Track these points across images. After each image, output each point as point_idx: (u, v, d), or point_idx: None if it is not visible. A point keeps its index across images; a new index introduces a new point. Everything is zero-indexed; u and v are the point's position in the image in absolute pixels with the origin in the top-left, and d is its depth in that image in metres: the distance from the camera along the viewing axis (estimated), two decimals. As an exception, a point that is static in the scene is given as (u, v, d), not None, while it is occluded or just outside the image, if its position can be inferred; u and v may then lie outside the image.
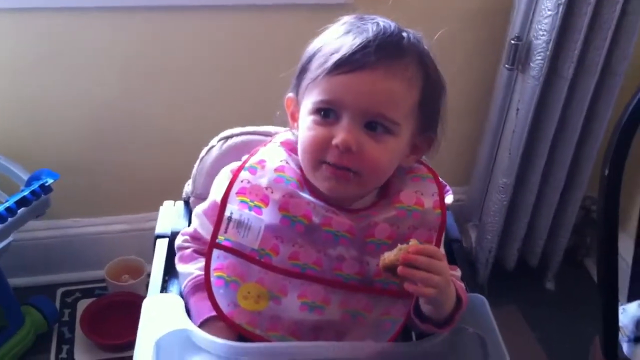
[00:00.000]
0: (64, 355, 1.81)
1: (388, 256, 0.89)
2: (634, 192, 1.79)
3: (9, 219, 1.49)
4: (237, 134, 1.16)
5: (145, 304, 0.98)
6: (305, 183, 1.01)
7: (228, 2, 1.72)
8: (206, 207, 1.07)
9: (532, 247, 2.10)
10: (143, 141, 1.88)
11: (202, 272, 1.00)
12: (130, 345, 1.79)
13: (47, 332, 1.84)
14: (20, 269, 1.93)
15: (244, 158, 1.05)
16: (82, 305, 1.93)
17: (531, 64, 1.76)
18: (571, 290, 2.15)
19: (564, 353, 1.90)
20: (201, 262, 1.02)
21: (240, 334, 0.98)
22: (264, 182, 1.00)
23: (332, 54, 0.94)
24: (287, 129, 1.10)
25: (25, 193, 1.52)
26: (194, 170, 1.18)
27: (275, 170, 1.01)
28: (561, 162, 1.93)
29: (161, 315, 0.96)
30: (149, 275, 1.91)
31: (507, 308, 2.02)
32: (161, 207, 1.20)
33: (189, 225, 1.14)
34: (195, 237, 1.08)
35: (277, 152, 1.05)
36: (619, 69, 1.78)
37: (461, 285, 1.01)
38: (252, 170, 1.02)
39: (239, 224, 0.99)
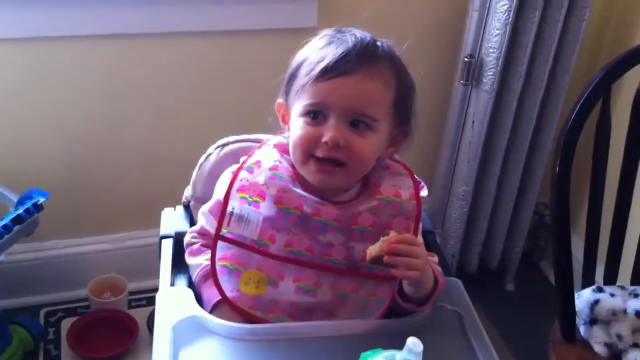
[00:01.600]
0: (51, 371, 1.85)
1: (373, 249, 1.01)
2: (580, 199, 1.88)
3: (5, 236, 1.54)
4: (232, 141, 1.26)
5: (159, 296, 1.07)
6: (297, 179, 1.13)
7: (200, 28, 1.80)
8: (211, 206, 1.18)
9: (491, 251, 2.21)
10: (120, 163, 1.93)
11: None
12: (116, 357, 1.85)
13: (34, 350, 1.87)
14: (3, 291, 1.95)
15: (242, 159, 1.16)
16: (66, 324, 1.96)
17: (484, 79, 1.87)
18: (529, 290, 2.25)
19: (524, 346, 1.99)
20: (209, 254, 1.12)
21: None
22: (260, 179, 1.12)
23: (318, 62, 1.06)
24: (276, 135, 1.21)
25: (20, 211, 1.57)
26: (193, 176, 1.27)
27: (270, 169, 1.13)
28: (514, 169, 2.04)
29: (174, 304, 1.05)
30: (129, 292, 2.00)
31: None
32: (162, 212, 1.29)
33: (190, 227, 1.24)
34: (202, 233, 1.18)
35: (271, 153, 1.16)
36: (563, 81, 1.90)
37: (438, 268, 1.13)
38: (250, 170, 1.13)
39: (240, 217, 1.10)
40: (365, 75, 1.06)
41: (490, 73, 1.86)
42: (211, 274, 1.10)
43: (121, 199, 2.00)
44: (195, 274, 1.14)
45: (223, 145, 1.26)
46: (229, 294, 1.09)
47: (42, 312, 2.03)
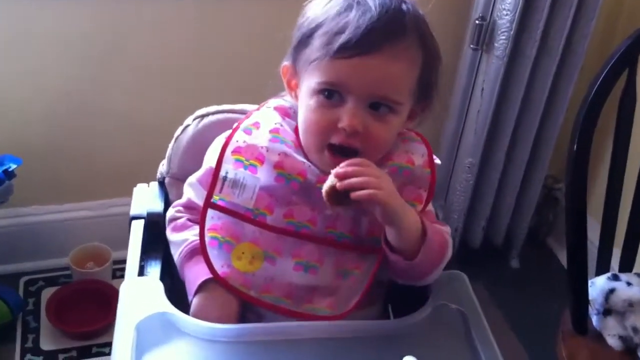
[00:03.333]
0: (29, 344, 1.78)
1: (325, 185, 0.91)
2: (596, 175, 1.83)
3: (-27, 206, 1.45)
4: (212, 112, 1.15)
5: (124, 288, 0.96)
6: (300, 146, 1.02)
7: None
8: (200, 175, 1.07)
9: (496, 226, 2.13)
10: (103, 127, 1.86)
11: (198, 238, 1.01)
12: (97, 332, 1.78)
13: (11, 321, 1.80)
14: (-19, 259, 1.90)
15: (236, 124, 1.05)
16: (47, 293, 1.90)
17: (495, 44, 1.78)
18: (535, 268, 2.19)
19: (529, 328, 1.93)
20: (196, 230, 1.02)
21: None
22: (259, 141, 1.01)
23: (336, 34, 0.93)
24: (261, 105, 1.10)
25: (-11, 179, 1.49)
26: (169, 150, 1.17)
27: (271, 131, 1.02)
28: (524, 141, 1.95)
29: (140, 298, 0.94)
30: (114, 262, 1.92)
31: (473, 286, 2.02)
32: (135, 189, 1.18)
33: (164, 206, 1.14)
34: (188, 207, 1.08)
35: (271, 115, 1.06)
36: (580, 48, 1.80)
37: (436, 227, 1.01)
38: (248, 131, 1.03)
39: (234, 183, 1.00)
40: (390, 54, 0.94)
41: (503, 37, 1.76)
42: (199, 246, 1.00)
43: (104, 164, 1.93)
44: (178, 252, 1.04)
45: (202, 116, 1.15)
46: (219, 269, 0.99)
47: (22, 280, 1.96)
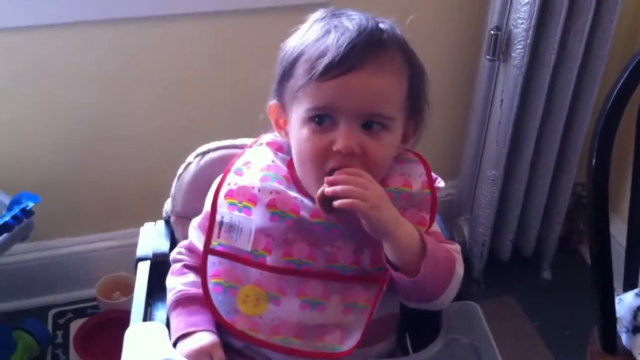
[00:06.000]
0: (59, 378, 1.78)
1: (318, 191, 0.92)
2: (625, 174, 1.77)
3: (-7, 245, 1.46)
4: (213, 148, 1.14)
5: (128, 334, 0.95)
6: (292, 179, 1.01)
7: (204, 9, 1.68)
8: (200, 220, 1.06)
9: (525, 237, 2.08)
10: (123, 155, 1.85)
11: (185, 288, 1.01)
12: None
13: (40, 355, 1.80)
14: (10, 293, 1.90)
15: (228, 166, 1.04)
16: (75, 325, 1.89)
17: (512, 54, 1.73)
18: (568, 278, 2.13)
19: (563, 341, 1.88)
20: (188, 277, 1.02)
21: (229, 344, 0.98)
22: (250, 182, 1.00)
23: (319, 58, 0.92)
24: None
25: (7, 218, 1.49)
26: (173, 189, 1.15)
27: (262, 169, 1.01)
28: (549, 150, 1.90)
29: (144, 344, 0.93)
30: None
31: (505, 299, 2.00)
32: (141, 228, 1.18)
33: (170, 246, 1.13)
34: (190, 249, 1.07)
35: (263, 152, 1.05)
36: (601, 53, 1.75)
37: (441, 245, 0.98)
38: (239, 172, 1.02)
39: (231, 227, 0.99)
40: (375, 67, 0.92)
41: (520, 46, 1.71)
42: (202, 294, 0.99)
43: (127, 192, 1.91)
44: (167, 300, 1.03)
45: (204, 153, 1.13)
46: (226, 315, 0.97)
47: (51, 313, 1.96)
